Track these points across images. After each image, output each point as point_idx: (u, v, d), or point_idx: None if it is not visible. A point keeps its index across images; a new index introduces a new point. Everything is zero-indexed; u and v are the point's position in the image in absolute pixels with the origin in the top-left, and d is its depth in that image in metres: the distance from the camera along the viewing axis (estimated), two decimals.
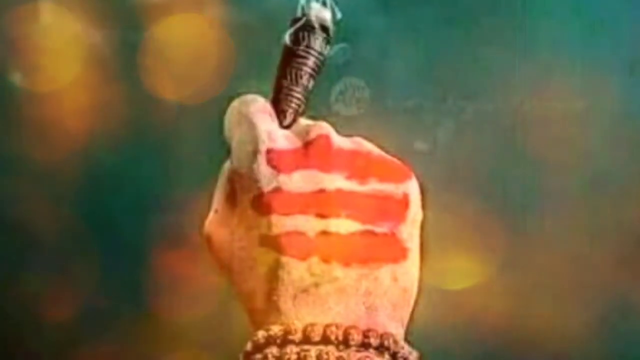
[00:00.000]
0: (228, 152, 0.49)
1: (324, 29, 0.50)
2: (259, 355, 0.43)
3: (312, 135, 0.48)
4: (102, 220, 0.82)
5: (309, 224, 0.45)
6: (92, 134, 0.82)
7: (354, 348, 0.42)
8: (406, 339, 0.45)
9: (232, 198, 0.48)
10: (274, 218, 0.45)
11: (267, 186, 0.46)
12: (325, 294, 0.44)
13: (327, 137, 0.47)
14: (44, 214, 0.82)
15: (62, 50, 0.82)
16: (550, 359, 0.79)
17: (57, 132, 0.82)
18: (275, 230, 0.45)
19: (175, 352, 0.79)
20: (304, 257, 0.44)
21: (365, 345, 0.43)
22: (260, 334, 0.43)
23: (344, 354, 0.42)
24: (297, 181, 0.46)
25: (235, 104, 0.49)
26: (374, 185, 0.47)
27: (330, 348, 0.42)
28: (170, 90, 0.79)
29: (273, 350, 0.42)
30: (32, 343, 0.83)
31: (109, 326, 0.82)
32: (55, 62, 0.82)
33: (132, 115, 0.82)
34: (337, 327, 0.43)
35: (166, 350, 0.79)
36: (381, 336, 0.43)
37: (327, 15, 0.50)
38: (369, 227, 0.46)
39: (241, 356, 0.44)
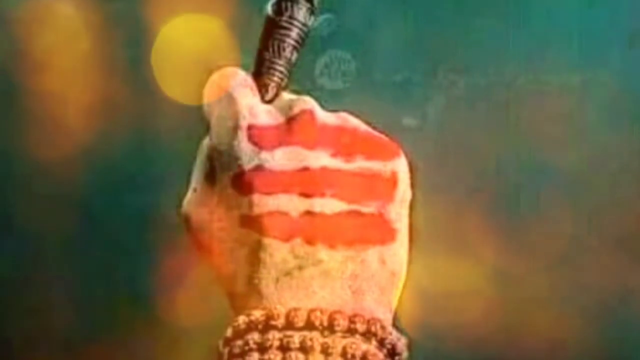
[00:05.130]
0: (207, 128, 0.48)
1: None
2: (239, 342, 0.42)
3: (296, 110, 0.47)
4: (74, 199, 0.81)
5: (292, 204, 0.44)
6: (65, 108, 0.81)
7: (339, 334, 0.41)
8: (394, 325, 0.44)
9: (211, 176, 0.47)
10: (256, 197, 0.44)
11: (248, 164, 0.45)
12: (309, 277, 0.43)
13: (311, 113, 0.47)
14: (13, 193, 0.82)
15: (34, 21, 0.81)
16: (545, 345, 0.80)
17: (30, 108, 0.81)
18: (257, 210, 0.44)
19: (152, 337, 0.79)
20: (287, 239, 0.44)
21: (351, 331, 0.42)
22: (241, 320, 0.42)
23: (329, 340, 0.41)
24: (280, 158, 0.45)
25: (214, 77, 0.49)
26: (360, 163, 0.46)
27: (315, 334, 0.41)
28: (147, 64, 0.79)
29: (254, 336, 0.42)
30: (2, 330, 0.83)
31: (82, 310, 0.81)
32: (27, 33, 0.81)
33: (106, 89, 0.81)
34: (321, 312, 0.42)
35: (142, 335, 0.79)
36: (368, 322, 0.42)
37: None
38: (355, 207, 0.45)
39: (221, 342, 0.43)
